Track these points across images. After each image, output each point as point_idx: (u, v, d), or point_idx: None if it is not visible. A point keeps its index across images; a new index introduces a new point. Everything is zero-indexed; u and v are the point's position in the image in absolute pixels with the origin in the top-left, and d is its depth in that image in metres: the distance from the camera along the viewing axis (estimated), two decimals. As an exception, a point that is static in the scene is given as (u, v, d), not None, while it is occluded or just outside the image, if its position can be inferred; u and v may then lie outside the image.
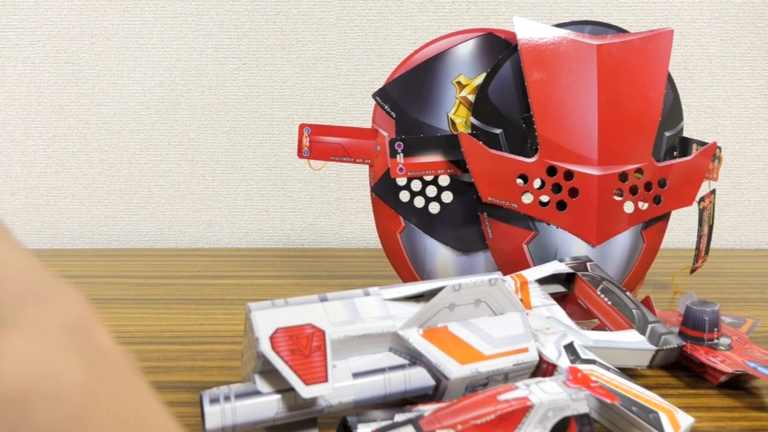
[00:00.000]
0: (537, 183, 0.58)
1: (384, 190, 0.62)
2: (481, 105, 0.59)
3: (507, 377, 0.42)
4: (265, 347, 0.36)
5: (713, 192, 0.66)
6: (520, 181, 0.59)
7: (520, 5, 0.92)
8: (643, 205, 0.60)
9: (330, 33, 0.92)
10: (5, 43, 0.91)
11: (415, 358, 0.40)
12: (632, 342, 0.47)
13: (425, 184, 0.62)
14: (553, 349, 0.44)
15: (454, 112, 0.60)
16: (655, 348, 0.47)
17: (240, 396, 0.37)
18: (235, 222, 0.95)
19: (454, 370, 0.40)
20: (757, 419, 0.44)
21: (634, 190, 0.59)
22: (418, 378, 0.40)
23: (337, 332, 0.39)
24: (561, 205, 0.58)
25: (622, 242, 0.60)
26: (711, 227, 0.68)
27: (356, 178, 0.94)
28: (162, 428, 0.20)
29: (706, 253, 0.69)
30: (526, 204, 0.59)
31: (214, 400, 0.36)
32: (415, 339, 0.40)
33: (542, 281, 0.53)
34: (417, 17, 0.92)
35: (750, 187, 0.95)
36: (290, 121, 0.93)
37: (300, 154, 0.62)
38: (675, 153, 0.62)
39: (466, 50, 0.60)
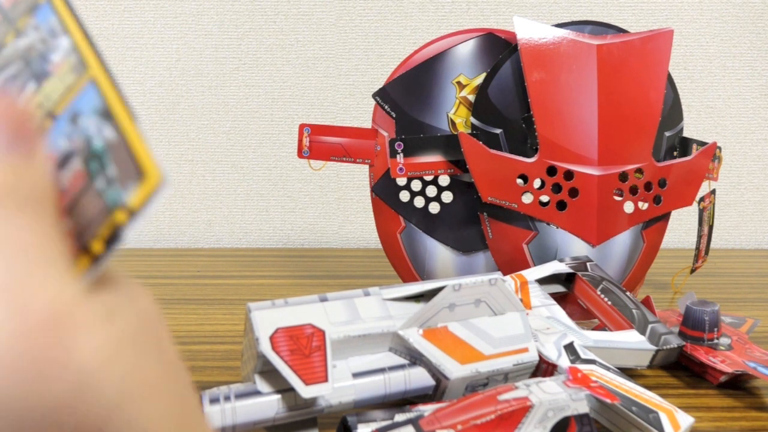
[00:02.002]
0: (537, 183, 0.58)
1: (384, 190, 0.62)
2: (481, 105, 0.59)
3: (507, 377, 0.42)
4: (265, 347, 0.36)
5: (713, 192, 0.66)
6: (520, 181, 0.59)
7: (520, 5, 0.92)
8: (643, 205, 0.60)
9: (330, 33, 0.92)
10: (5, 43, 0.91)
11: (415, 358, 0.40)
12: (632, 342, 0.47)
13: (425, 184, 0.62)
14: (553, 349, 0.44)
15: (454, 112, 0.60)
16: (655, 348, 0.47)
17: (240, 396, 0.37)
18: (235, 222, 0.95)
19: (454, 370, 0.40)
20: (757, 419, 0.44)
21: (634, 190, 0.59)
22: (418, 378, 0.40)
23: (337, 332, 0.39)
24: (561, 205, 0.58)
25: (622, 242, 0.60)
26: (711, 227, 0.68)
27: (356, 178, 0.94)
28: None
29: (706, 253, 0.69)
30: (526, 204, 0.59)
31: (214, 400, 0.36)
32: (415, 339, 0.40)
33: (542, 281, 0.53)
34: (417, 17, 0.92)
35: (750, 187, 0.95)
36: (290, 121, 0.93)
37: (300, 154, 0.62)
38: (675, 153, 0.62)
39: (466, 50, 0.60)
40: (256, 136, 0.94)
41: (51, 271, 0.18)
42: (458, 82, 0.60)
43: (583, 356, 0.44)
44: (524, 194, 0.59)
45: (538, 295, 0.50)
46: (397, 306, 0.41)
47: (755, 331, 0.58)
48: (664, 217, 0.62)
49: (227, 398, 0.36)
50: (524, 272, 0.53)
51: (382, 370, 0.40)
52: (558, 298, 0.54)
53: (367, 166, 0.62)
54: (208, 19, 0.92)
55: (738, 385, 0.48)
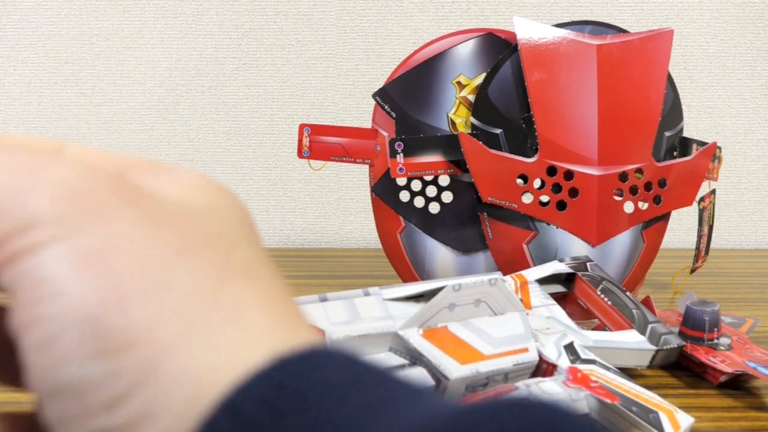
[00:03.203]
0: (537, 183, 0.58)
1: (384, 190, 0.62)
2: (481, 105, 0.59)
3: (507, 377, 0.42)
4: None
5: (713, 192, 0.66)
6: (520, 181, 0.59)
7: (520, 5, 0.92)
8: (643, 205, 0.60)
9: (330, 33, 0.92)
10: (5, 43, 0.91)
11: (415, 358, 0.40)
12: (632, 342, 0.47)
13: (425, 184, 0.62)
14: (553, 349, 0.44)
15: (454, 112, 0.60)
16: (655, 348, 0.47)
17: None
18: (235, 222, 0.95)
19: (454, 370, 0.40)
20: (757, 419, 0.44)
21: (634, 190, 0.59)
22: (418, 378, 0.40)
23: (337, 332, 0.39)
24: (561, 205, 0.58)
25: (622, 242, 0.60)
26: (711, 227, 0.68)
27: (356, 178, 0.94)
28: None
29: (706, 253, 0.69)
30: (526, 204, 0.59)
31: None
32: (415, 339, 0.40)
33: (542, 281, 0.53)
34: (417, 17, 0.92)
35: (750, 187, 0.95)
36: (290, 121, 0.93)
37: (300, 154, 0.62)
38: (675, 153, 0.62)
39: (466, 50, 0.60)
40: (256, 136, 0.94)
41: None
42: (458, 82, 0.60)
43: (583, 356, 0.44)
44: (524, 194, 0.59)
45: (538, 295, 0.50)
46: (397, 306, 0.41)
47: (755, 331, 0.58)
48: (664, 217, 0.62)
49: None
50: (524, 272, 0.52)
51: (382, 370, 0.40)
52: (558, 298, 0.54)
53: (367, 166, 0.62)
54: (208, 19, 0.92)
55: (738, 385, 0.48)
